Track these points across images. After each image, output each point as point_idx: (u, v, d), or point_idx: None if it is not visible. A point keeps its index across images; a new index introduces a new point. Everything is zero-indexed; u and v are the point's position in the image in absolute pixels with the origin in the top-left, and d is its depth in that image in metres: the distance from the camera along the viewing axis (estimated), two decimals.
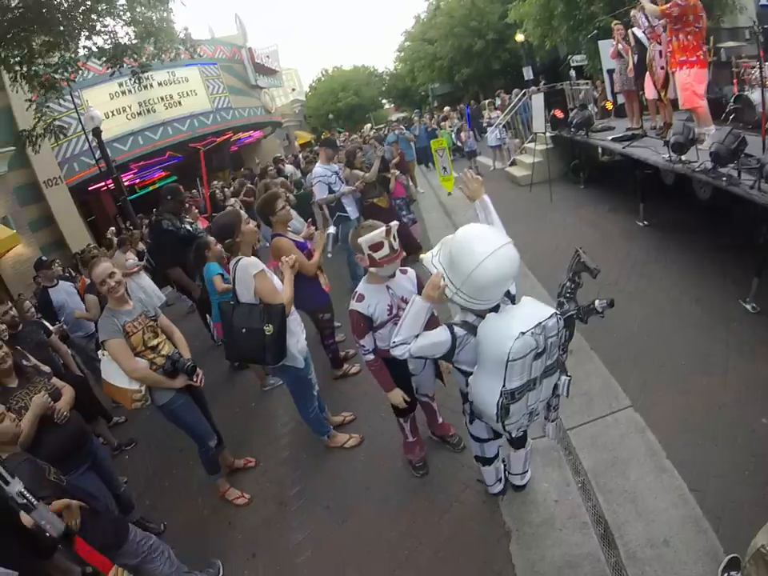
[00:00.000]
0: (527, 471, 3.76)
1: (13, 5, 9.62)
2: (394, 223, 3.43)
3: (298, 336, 4.41)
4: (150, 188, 29.52)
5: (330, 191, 7.85)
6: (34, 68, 10.92)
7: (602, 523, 3.48)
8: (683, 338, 5.15)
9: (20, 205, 18.80)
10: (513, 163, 15.20)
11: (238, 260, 4.23)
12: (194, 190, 15.31)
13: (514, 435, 3.14)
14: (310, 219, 7.84)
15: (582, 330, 5.26)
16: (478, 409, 2.99)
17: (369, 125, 32.99)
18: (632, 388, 4.56)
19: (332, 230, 5.89)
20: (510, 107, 16.04)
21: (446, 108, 25.48)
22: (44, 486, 3.07)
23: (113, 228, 17.47)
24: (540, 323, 2.57)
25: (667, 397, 4.38)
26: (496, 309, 2.74)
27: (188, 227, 7.33)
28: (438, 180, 14.35)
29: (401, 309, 3.56)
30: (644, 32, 8.24)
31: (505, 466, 3.76)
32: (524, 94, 15.77)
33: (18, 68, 10.74)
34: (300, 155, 25.11)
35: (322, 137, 46.51)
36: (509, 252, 2.56)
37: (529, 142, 14.35)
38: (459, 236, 2.70)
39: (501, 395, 2.67)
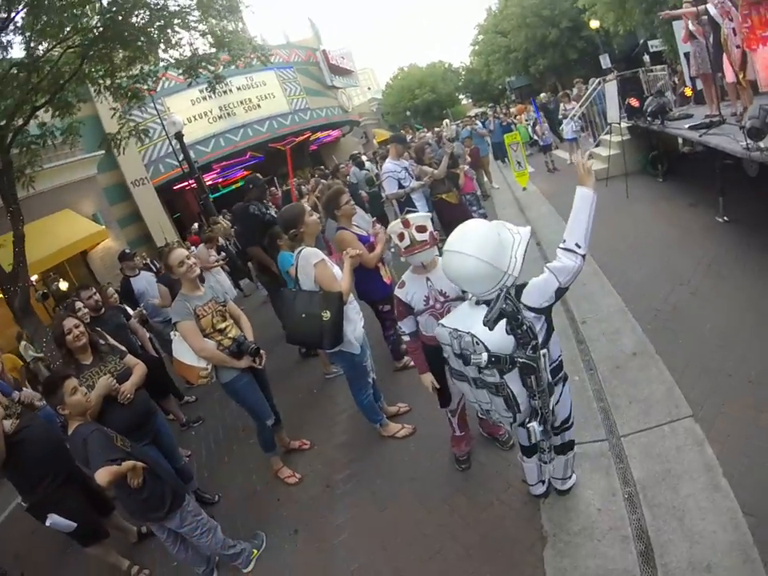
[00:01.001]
0: (570, 477, 3.64)
1: (92, 25, 9.98)
2: (421, 215, 3.61)
3: (355, 323, 4.53)
4: (233, 186, 30.21)
5: (400, 186, 7.92)
6: (117, 81, 11.38)
7: (644, 539, 3.20)
8: (759, 347, 4.47)
9: (109, 203, 20.09)
10: (589, 156, 14.00)
11: (301, 250, 4.47)
12: (273, 188, 15.53)
13: (479, 414, 3.63)
14: (374, 218, 7.78)
15: (648, 332, 5.11)
16: None
17: (446, 120, 32.37)
18: (695, 397, 4.12)
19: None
20: (584, 98, 15.27)
21: (518, 106, 24.82)
22: (114, 450, 3.44)
23: (196, 224, 18.06)
24: (457, 329, 2.76)
25: (732, 409, 3.90)
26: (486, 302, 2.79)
27: (272, 213, 7.61)
28: (513, 176, 13.93)
29: (437, 301, 3.67)
30: (715, 7, 7.55)
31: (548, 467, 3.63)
32: (599, 83, 14.76)
33: (101, 81, 11.21)
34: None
35: (401, 133, 46.52)
36: (455, 260, 2.76)
37: (605, 133, 13.48)
38: (463, 225, 2.89)
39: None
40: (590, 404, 4.36)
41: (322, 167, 23.12)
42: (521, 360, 2.64)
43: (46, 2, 9.19)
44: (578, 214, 2.80)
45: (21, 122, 10.23)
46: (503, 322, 2.59)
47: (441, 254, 3.05)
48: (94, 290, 6.59)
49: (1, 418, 4.11)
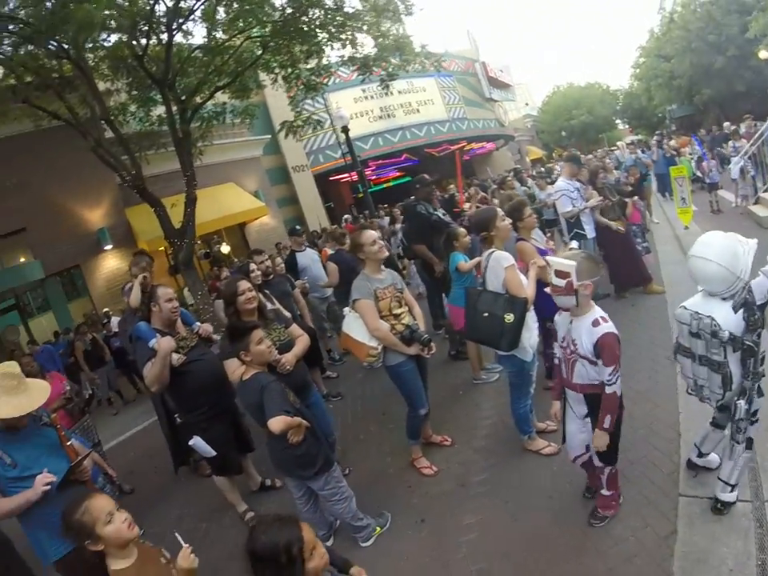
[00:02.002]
0: (732, 489, 3.41)
1: (272, 19, 10.59)
2: (568, 262, 3.27)
3: (532, 331, 4.44)
4: (384, 185, 30.88)
5: (572, 206, 7.73)
6: (295, 71, 12.02)
7: None
8: None
9: (270, 184, 21.51)
10: (756, 201, 12.68)
11: (492, 252, 4.49)
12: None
13: (688, 390, 3.51)
14: (550, 233, 7.63)
15: None
16: None
17: (621, 142, 30.72)
18: None
19: (574, 244, 5.71)
20: (756, 136, 13.87)
21: (682, 138, 23.18)
22: (288, 403, 3.58)
23: (347, 216, 18.54)
24: (698, 312, 3.16)
25: None
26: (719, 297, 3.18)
27: (439, 215, 7.64)
28: (674, 211, 12.57)
29: (568, 347, 3.46)
30: None
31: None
32: None
33: (277, 71, 12.00)
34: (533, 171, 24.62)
35: (554, 154, 45.15)
36: (701, 264, 3.18)
37: None
38: (708, 234, 3.30)
39: (675, 340, 3.46)
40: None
41: (485, 178, 23.07)
42: (747, 343, 3.02)
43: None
44: None
45: (201, 99, 11.30)
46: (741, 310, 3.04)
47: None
48: (267, 256, 6.99)
49: (171, 351, 4.38)
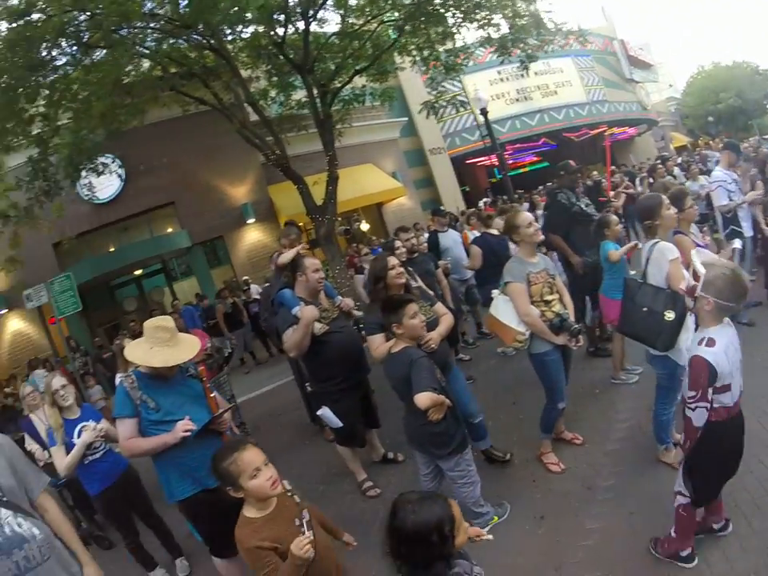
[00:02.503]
0: None
1: (405, 3, 10.61)
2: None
3: (690, 333, 4.00)
4: (521, 170, 30.03)
5: (729, 199, 7.01)
6: (433, 53, 12.06)
7: None
8: None
9: (408, 165, 21.76)
10: None
11: (656, 242, 4.14)
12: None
13: None
14: (705, 228, 7.05)
15: None
16: None
17: None
18: None
19: (737, 243, 5.24)
20: None
21: None
22: (435, 380, 3.52)
23: (486, 200, 18.37)
24: None
25: None
26: None
27: (582, 206, 7.12)
28: None
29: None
30: None
31: None
32: None
33: (415, 54, 12.10)
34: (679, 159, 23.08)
35: (700, 142, 41.96)
36: None
37: None
38: None
39: None
40: None
41: (624, 165, 22.11)
42: None
43: None
44: None
45: (340, 83, 11.76)
46: None
47: None
48: (413, 233, 7.02)
49: (313, 320, 4.45)
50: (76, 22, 9.22)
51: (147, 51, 10.10)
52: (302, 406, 6.83)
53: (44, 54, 9.36)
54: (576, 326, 4.29)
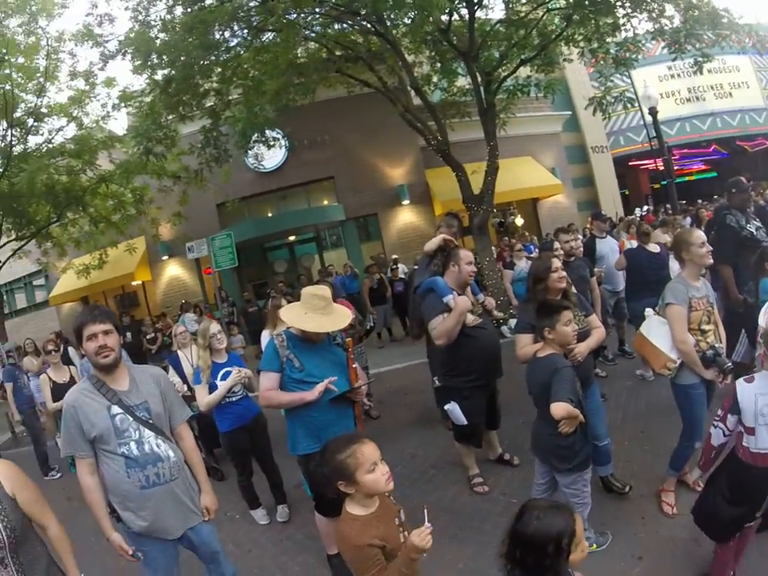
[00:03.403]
0: None
1: None
2: None
3: None
4: (686, 178, 27.68)
5: None
6: (603, 45, 11.53)
7: None
8: None
9: (568, 162, 21.21)
10: None
11: None
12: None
13: None
14: None
15: None
16: None
17: None
18: None
19: None
20: None
21: None
22: (574, 392, 3.43)
23: (647, 207, 17.58)
24: None
25: None
26: None
27: (752, 229, 6.45)
28: None
29: None
30: None
31: None
32: None
33: (583, 45, 11.66)
34: None
35: None
36: None
37: None
38: None
39: None
40: None
41: None
42: None
43: None
44: None
45: (506, 72, 11.61)
46: None
47: None
48: (572, 236, 6.73)
49: (467, 311, 4.49)
50: (246, 8, 9.97)
51: (314, 35, 10.63)
52: (430, 389, 6.59)
53: (217, 36, 10.20)
54: (728, 363, 3.93)
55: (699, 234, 4.04)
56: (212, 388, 4.73)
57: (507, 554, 2.05)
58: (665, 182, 15.09)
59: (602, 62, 12.03)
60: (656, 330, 4.09)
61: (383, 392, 8.10)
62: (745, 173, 9.07)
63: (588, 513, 3.75)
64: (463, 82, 12.53)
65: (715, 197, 17.83)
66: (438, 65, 12.52)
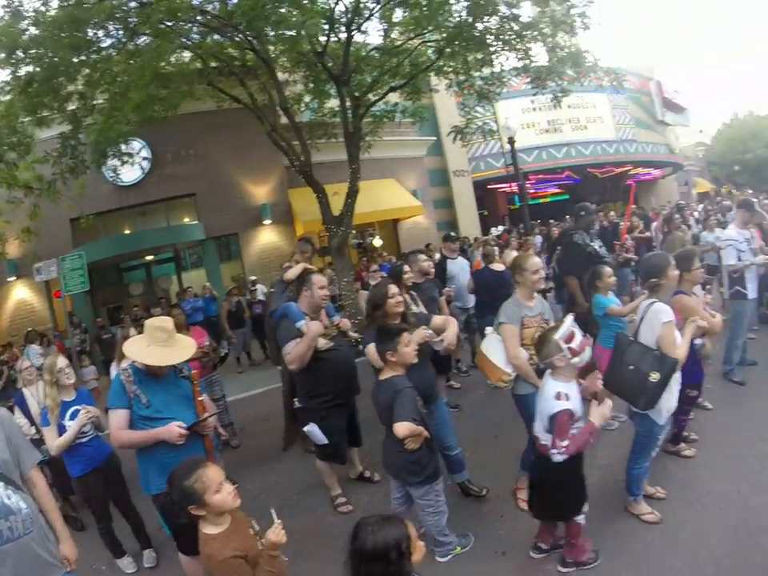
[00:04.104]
0: None
1: (449, 24, 10.62)
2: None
3: (672, 394, 4.17)
4: (541, 200, 30.02)
5: (738, 259, 6.98)
6: (469, 79, 12.26)
7: None
8: None
9: (430, 185, 21.90)
10: None
11: (653, 303, 4.23)
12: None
13: None
14: (708, 287, 7.08)
15: None
16: None
17: None
18: None
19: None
20: None
21: None
22: (416, 411, 3.64)
23: (501, 227, 18.45)
24: None
25: None
26: None
27: (596, 247, 7.32)
28: None
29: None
30: None
31: None
32: None
33: (452, 77, 12.24)
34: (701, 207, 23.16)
35: (722, 189, 41.78)
36: None
37: None
38: None
39: None
40: None
41: (642, 207, 22.13)
42: None
43: (409, 3, 10.26)
44: None
45: (375, 97, 11.89)
46: None
47: None
48: (426, 256, 7.06)
49: (318, 336, 4.59)
50: (125, 8, 9.49)
51: (190, 44, 10.29)
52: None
53: (90, 34, 9.63)
54: None
55: (534, 262, 4.48)
56: (61, 429, 4.41)
57: (353, 572, 2.14)
58: (519, 204, 15.95)
59: (467, 94, 12.69)
60: (493, 347, 4.46)
61: (244, 419, 8.04)
62: (594, 196, 9.88)
63: (446, 519, 3.97)
64: (334, 103, 12.63)
65: (567, 217, 19.18)
66: (311, 85, 12.68)
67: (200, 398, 3.67)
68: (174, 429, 3.36)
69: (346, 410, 4.97)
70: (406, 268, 6.19)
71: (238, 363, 12.36)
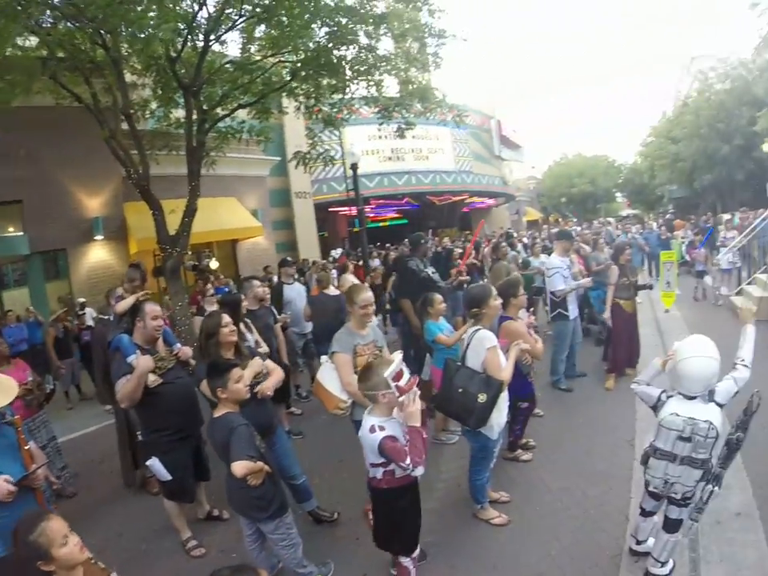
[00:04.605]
0: (663, 564, 3.75)
1: (307, 48, 10.60)
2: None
3: (501, 412, 4.52)
4: (381, 224, 31.55)
5: (564, 285, 7.76)
6: (318, 104, 12.16)
7: None
8: None
9: (270, 205, 21.59)
10: (739, 292, 12.99)
11: (477, 330, 4.54)
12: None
13: (650, 487, 3.69)
14: (532, 309, 7.61)
15: (758, 497, 4.77)
16: None
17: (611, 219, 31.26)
18: None
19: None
20: (749, 229, 13.80)
21: (677, 221, 24.01)
22: (253, 448, 3.57)
23: (340, 249, 18.60)
24: (694, 419, 3.33)
25: None
26: (693, 398, 3.43)
27: (429, 273, 7.70)
28: (658, 293, 12.73)
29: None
30: None
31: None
32: (765, 218, 13.37)
33: (303, 100, 12.07)
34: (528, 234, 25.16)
35: (550, 218, 45.67)
36: (706, 364, 3.32)
37: (762, 271, 12.38)
38: (692, 336, 3.54)
39: (649, 445, 3.61)
40: (682, 551, 4.10)
41: (469, 232, 23.34)
42: (740, 440, 3.32)
43: (274, 20, 9.99)
44: (748, 342, 3.72)
45: (223, 113, 11.42)
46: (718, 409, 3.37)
47: None
48: (260, 282, 7.01)
49: (148, 371, 4.35)
50: None
51: (40, 28, 9.21)
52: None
53: None
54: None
55: (364, 297, 4.61)
56: None
57: None
58: (358, 228, 16.20)
59: (315, 118, 12.64)
60: (328, 375, 4.58)
61: (78, 463, 7.14)
62: (431, 222, 10.28)
63: (301, 551, 3.93)
64: (181, 113, 11.78)
65: (406, 240, 19.95)
66: (160, 91, 11.69)
67: (26, 447, 3.36)
68: (2, 485, 3.03)
69: (190, 442, 4.76)
70: (243, 297, 6.18)
71: (67, 398, 10.85)
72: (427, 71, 11.71)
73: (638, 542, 4.04)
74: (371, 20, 10.37)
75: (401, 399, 3.29)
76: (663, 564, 3.75)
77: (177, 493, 4.72)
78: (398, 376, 3.28)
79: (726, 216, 24.15)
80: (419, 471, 3.26)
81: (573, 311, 7.90)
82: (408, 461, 3.17)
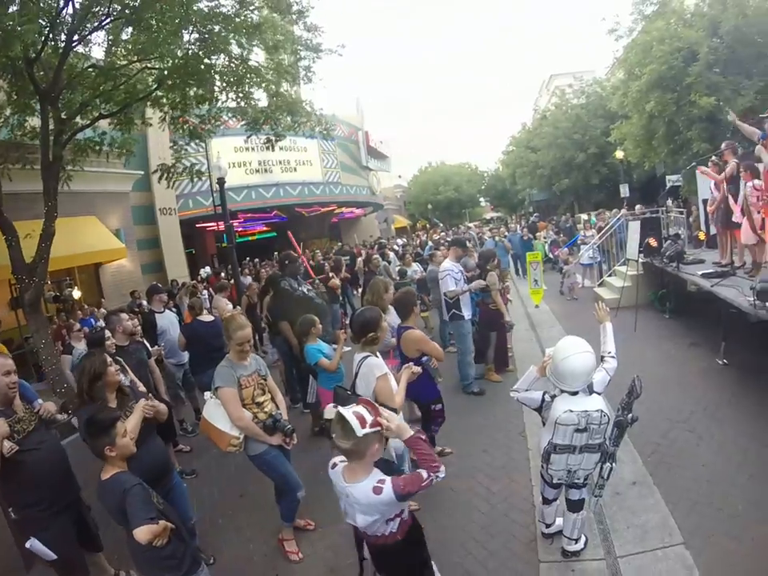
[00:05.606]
0: (576, 540, 4.12)
1: (174, 55, 10.17)
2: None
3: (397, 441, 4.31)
4: (250, 238, 31.25)
5: (455, 286, 7.94)
6: (184, 114, 11.78)
7: None
8: (744, 485, 4.84)
9: (134, 223, 20.19)
10: (601, 284, 14.79)
11: (367, 356, 4.37)
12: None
13: (554, 481, 4.00)
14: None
15: (648, 465, 5.35)
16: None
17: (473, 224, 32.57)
18: (687, 527, 4.34)
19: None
20: (606, 229, 15.30)
21: (540, 222, 25.79)
22: (152, 508, 3.28)
23: (209, 269, 18.22)
24: (587, 411, 3.61)
25: (720, 540, 4.15)
26: (576, 393, 3.73)
27: (304, 290, 7.83)
28: (527, 289, 14.08)
29: None
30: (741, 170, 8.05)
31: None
32: (621, 217, 15.10)
33: (168, 110, 11.58)
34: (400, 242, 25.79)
35: (418, 224, 47.06)
36: (585, 358, 3.65)
37: (620, 264, 13.79)
38: (564, 338, 3.87)
39: (548, 443, 3.78)
40: (590, 525, 4.46)
41: (348, 244, 23.50)
42: (628, 420, 3.74)
43: (142, 23, 9.44)
44: (609, 337, 4.33)
45: (83, 123, 10.56)
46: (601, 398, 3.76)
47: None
48: (127, 317, 6.55)
49: (2, 438, 3.66)
50: None
51: None
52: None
53: None
54: (289, 426, 4.50)
55: (241, 336, 4.47)
56: None
57: None
58: (226, 243, 15.82)
59: (180, 130, 12.33)
60: (215, 412, 4.40)
61: None
62: (300, 233, 10.34)
63: None
64: (37, 123, 10.63)
65: (276, 253, 20.03)
66: (15, 96, 10.28)
67: None
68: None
69: (69, 513, 4.09)
70: (108, 334, 5.92)
71: None
72: (297, 85, 11.70)
73: (548, 526, 4.35)
74: (245, 29, 10.20)
75: (387, 433, 3.09)
76: (576, 540, 4.10)
77: (68, 570, 4.08)
78: (362, 422, 2.93)
79: (584, 216, 26.82)
80: (443, 473, 3.06)
81: (468, 313, 8.10)
82: (426, 474, 3.00)
